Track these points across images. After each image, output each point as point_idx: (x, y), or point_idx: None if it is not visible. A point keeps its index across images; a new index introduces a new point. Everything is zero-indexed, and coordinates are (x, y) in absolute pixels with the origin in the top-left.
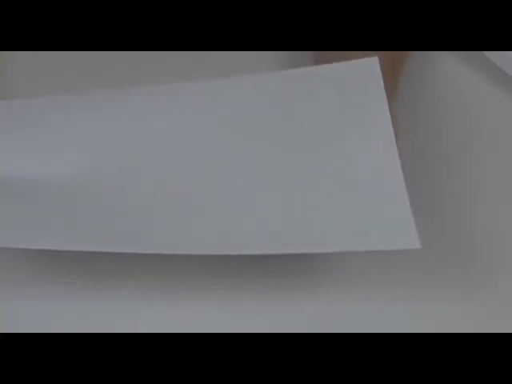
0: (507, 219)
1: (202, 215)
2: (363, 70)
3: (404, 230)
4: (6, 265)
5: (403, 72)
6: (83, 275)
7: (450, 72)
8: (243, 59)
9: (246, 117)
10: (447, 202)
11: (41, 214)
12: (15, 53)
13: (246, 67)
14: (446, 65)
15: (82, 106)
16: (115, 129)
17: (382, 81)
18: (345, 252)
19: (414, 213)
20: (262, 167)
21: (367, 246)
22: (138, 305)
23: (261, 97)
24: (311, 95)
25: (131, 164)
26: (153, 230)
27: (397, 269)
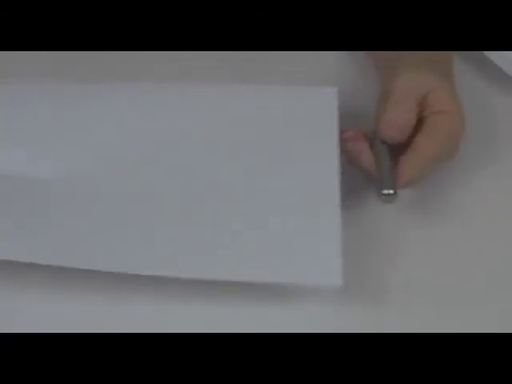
0: (504, 215)
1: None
2: (321, 98)
3: (329, 266)
4: None
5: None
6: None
7: None
8: (243, 59)
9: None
10: (446, 199)
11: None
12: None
13: (246, 67)
14: None
15: (71, 100)
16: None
17: (336, 111)
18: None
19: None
20: (200, 190)
21: (289, 279)
22: (135, 303)
23: (212, 110)
24: (263, 114)
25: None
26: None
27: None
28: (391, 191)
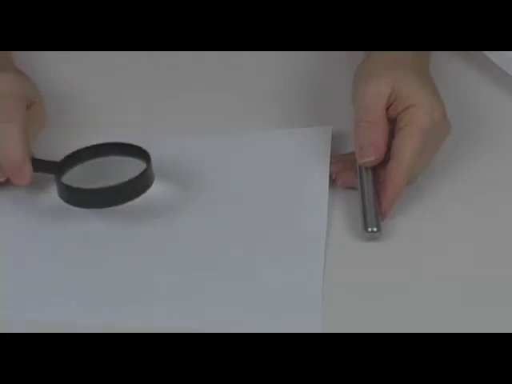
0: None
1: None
2: (314, 140)
3: (309, 313)
4: None
5: None
6: None
7: (450, 72)
8: (244, 59)
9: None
10: (446, 200)
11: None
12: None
13: (247, 67)
14: (446, 65)
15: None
16: None
17: (329, 151)
18: None
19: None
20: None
21: (272, 328)
22: None
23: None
24: (256, 160)
25: None
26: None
27: None
28: (375, 229)
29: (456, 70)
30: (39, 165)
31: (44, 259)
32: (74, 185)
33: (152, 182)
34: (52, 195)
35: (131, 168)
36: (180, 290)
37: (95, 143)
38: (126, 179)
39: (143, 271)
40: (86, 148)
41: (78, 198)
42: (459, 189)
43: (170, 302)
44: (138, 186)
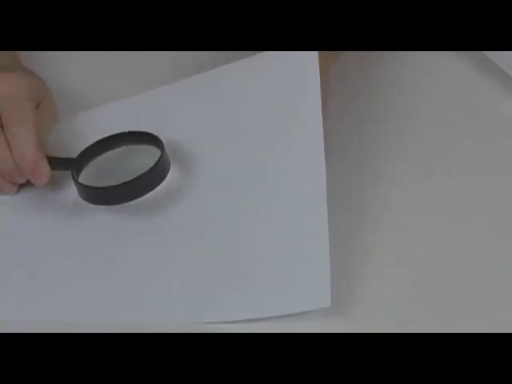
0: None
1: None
2: (302, 64)
3: (318, 289)
4: None
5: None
6: None
7: (450, 72)
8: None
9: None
10: (446, 200)
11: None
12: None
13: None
14: (446, 64)
15: None
16: None
17: (318, 76)
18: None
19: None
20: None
21: (281, 311)
22: None
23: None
24: (243, 92)
25: None
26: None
27: None
28: None
29: (456, 70)
30: (55, 163)
31: (44, 259)
32: (93, 182)
33: (168, 169)
34: (65, 192)
35: (147, 156)
36: (188, 280)
37: (107, 135)
38: (143, 170)
39: (147, 267)
40: (100, 141)
41: (98, 196)
42: (459, 188)
43: (180, 294)
44: (155, 176)
